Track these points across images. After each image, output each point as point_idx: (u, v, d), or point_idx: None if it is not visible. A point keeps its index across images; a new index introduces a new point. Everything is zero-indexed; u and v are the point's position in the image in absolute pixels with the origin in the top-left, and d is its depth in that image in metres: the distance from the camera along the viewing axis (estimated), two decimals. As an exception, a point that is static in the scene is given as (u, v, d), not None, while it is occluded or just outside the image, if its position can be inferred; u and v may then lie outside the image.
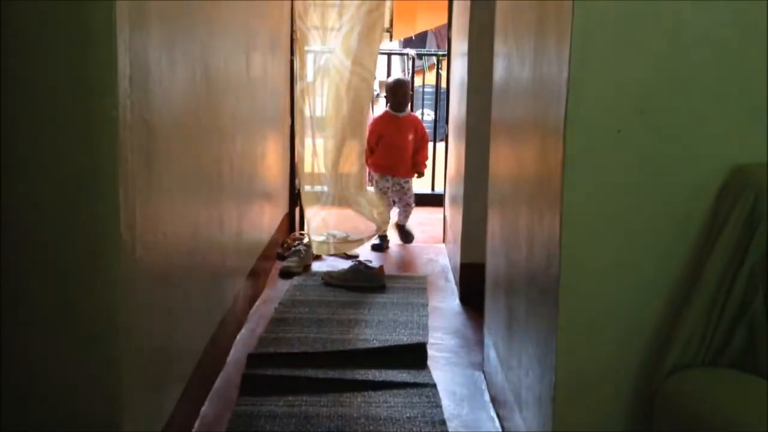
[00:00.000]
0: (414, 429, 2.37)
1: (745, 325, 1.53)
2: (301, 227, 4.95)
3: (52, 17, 1.51)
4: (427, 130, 4.98)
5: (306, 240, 4.55)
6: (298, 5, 4.55)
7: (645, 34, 1.59)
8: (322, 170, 4.76)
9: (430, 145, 5.01)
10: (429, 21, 9.25)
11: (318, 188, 4.74)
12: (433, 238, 5.04)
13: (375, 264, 4.08)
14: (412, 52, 4.89)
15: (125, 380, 1.66)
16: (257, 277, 3.74)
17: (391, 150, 4.82)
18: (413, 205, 4.96)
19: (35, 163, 1.55)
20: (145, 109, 1.75)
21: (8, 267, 1.57)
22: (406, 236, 4.95)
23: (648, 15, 1.58)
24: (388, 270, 4.19)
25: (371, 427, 2.37)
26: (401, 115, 4.83)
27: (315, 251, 4.48)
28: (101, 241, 1.59)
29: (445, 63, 5.41)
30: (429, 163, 5.18)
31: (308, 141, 4.73)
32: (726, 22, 1.60)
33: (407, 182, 4.89)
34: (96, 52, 1.53)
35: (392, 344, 3.06)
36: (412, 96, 4.81)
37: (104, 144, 1.56)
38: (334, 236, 4.71)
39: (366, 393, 2.62)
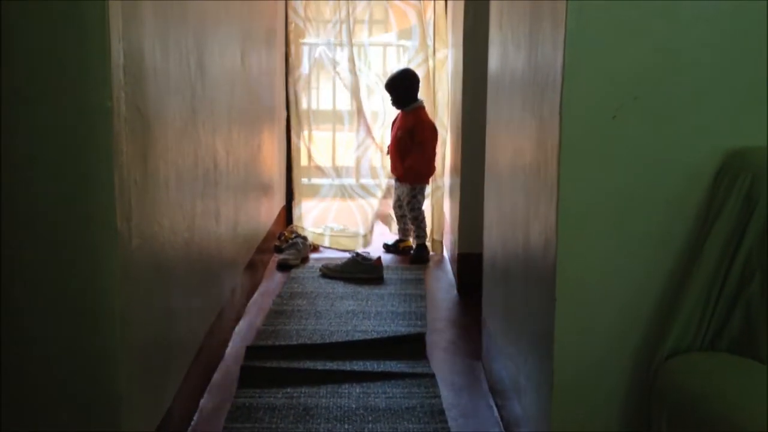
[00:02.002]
0: (413, 419, 2.37)
1: (743, 307, 1.53)
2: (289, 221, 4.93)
3: (45, 7, 1.50)
4: (430, 127, 4.34)
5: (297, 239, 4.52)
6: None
7: (639, 19, 1.58)
8: (321, 163, 4.77)
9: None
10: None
11: (316, 181, 4.75)
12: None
13: (372, 255, 4.08)
14: (407, 43, 4.85)
15: (123, 372, 1.66)
16: (255, 269, 3.73)
17: (389, 148, 4.55)
18: (408, 214, 4.41)
19: (30, 154, 1.55)
20: (139, 100, 1.74)
21: (4, 257, 1.57)
22: (414, 257, 4.41)
23: (642, 1, 1.57)
24: (386, 261, 4.19)
25: (370, 418, 2.37)
26: (405, 110, 4.36)
27: (312, 240, 4.51)
28: (97, 231, 1.58)
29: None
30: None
31: (305, 133, 4.74)
32: (721, 6, 1.59)
33: (405, 186, 4.40)
34: (89, 42, 1.52)
35: (390, 335, 3.07)
36: (411, 89, 4.32)
37: (99, 135, 1.55)
38: (332, 229, 4.72)
39: (365, 384, 2.62)
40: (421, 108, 4.38)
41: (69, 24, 1.51)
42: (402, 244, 4.56)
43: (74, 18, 1.51)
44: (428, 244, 4.52)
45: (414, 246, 4.46)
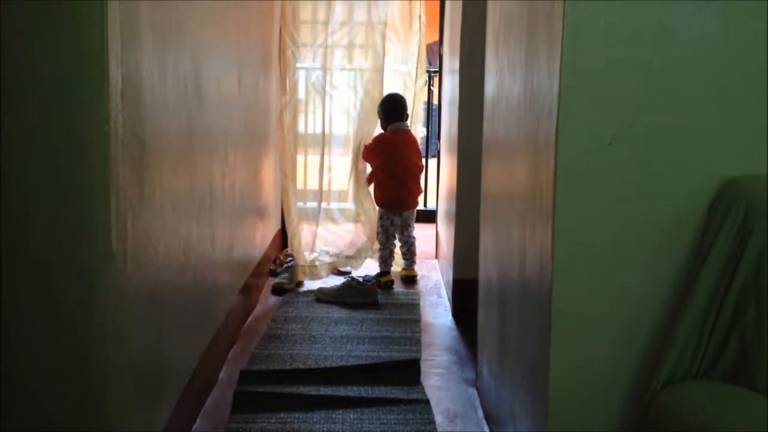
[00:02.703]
0: (407, 445, 2.35)
1: (738, 337, 1.52)
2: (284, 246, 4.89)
3: (44, 31, 1.51)
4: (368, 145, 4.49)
5: (292, 262, 4.44)
6: (288, 23, 4.56)
7: (634, 47, 1.60)
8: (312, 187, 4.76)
9: (423, 161, 4.79)
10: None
11: (310, 204, 4.73)
12: (426, 254, 5.04)
13: (367, 280, 4.06)
14: (404, 68, 4.88)
15: (115, 397, 1.65)
16: (249, 293, 3.72)
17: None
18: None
19: (27, 176, 1.55)
20: (136, 124, 1.75)
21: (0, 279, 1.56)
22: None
23: (637, 29, 1.59)
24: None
25: (364, 444, 2.35)
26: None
27: (301, 276, 4.33)
28: (92, 255, 1.58)
29: (436, 80, 5.43)
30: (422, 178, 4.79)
31: (300, 157, 4.73)
32: (715, 35, 1.61)
33: None
34: (87, 67, 1.53)
35: (385, 360, 3.05)
36: (388, 111, 4.42)
37: (96, 159, 1.56)
38: (327, 252, 4.68)
39: (359, 410, 2.60)
40: (392, 131, 4.41)
41: (67, 48, 1.52)
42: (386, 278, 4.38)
43: (73, 42, 1.52)
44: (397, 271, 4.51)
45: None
